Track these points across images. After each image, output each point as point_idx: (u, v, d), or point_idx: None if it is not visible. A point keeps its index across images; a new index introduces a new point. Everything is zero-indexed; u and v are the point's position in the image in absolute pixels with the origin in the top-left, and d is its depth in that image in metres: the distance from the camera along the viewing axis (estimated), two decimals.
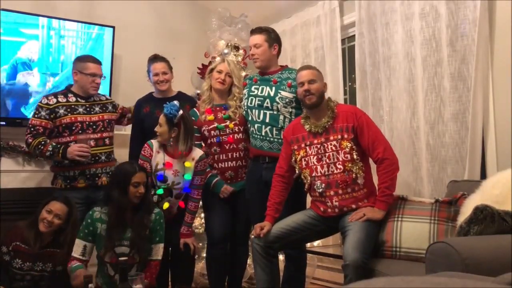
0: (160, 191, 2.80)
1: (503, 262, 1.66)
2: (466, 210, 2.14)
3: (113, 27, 3.89)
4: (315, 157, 2.51)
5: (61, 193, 2.92)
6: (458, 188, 2.48)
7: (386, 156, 2.43)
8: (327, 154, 2.48)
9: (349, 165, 2.43)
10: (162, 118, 2.78)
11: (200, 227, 3.46)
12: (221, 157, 2.92)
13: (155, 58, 3.21)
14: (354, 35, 3.57)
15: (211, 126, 2.94)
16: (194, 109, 3.05)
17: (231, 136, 2.92)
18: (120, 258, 2.09)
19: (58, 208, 2.71)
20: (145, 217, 2.62)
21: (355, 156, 2.43)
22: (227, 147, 2.92)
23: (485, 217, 1.95)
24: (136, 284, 2.11)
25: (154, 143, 2.83)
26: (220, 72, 2.97)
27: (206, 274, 3.40)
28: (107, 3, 4.13)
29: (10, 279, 2.65)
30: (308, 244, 3.29)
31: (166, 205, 2.83)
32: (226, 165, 2.92)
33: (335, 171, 2.46)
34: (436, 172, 2.96)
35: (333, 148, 2.47)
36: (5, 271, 2.65)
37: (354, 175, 2.43)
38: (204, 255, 3.45)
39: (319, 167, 2.50)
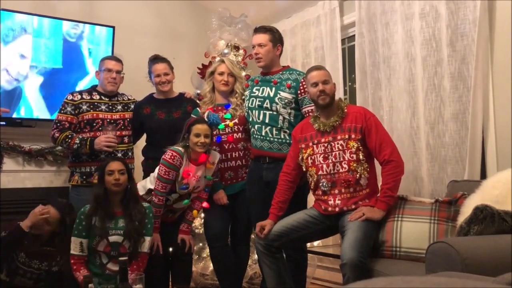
0: (186, 202, 2.83)
1: (503, 262, 1.67)
2: (466, 210, 2.14)
3: (113, 27, 3.88)
4: (322, 156, 2.52)
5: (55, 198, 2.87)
6: (458, 188, 2.48)
7: (392, 158, 2.43)
8: (333, 153, 2.49)
9: (354, 165, 2.44)
10: (207, 129, 2.72)
11: (200, 227, 3.46)
12: (221, 157, 2.92)
13: (155, 59, 3.19)
14: (354, 35, 3.57)
15: None
16: (197, 108, 3.06)
17: (231, 135, 2.92)
18: (120, 258, 2.09)
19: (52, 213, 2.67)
20: (134, 207, 2.66)
21: (361, 157, 2.44)
22: (226, 147, 2.92)
23: (485, 217, 1.95)
24: (136, 284, 2.11)
25: (183, 153, 2.75)
26: (221, 74, 2.97)
27: (206, 274, 3.39)
28: (107, 3, 4.14)
29: (14, 272, 2.65)
30: (308, 244, 3.29)
31: (195, 213, 2.90)
32: (226, 165, 2.92)
33: (340, 170, 2.47)
34: (436, 172, 2.96)
35: (340, 147, 2.48)
36: (8, 263, 2.65)
37: (358, 175, 2.44)
38: (204, 255, 3.45)
39: (325, 165, 2.50)
